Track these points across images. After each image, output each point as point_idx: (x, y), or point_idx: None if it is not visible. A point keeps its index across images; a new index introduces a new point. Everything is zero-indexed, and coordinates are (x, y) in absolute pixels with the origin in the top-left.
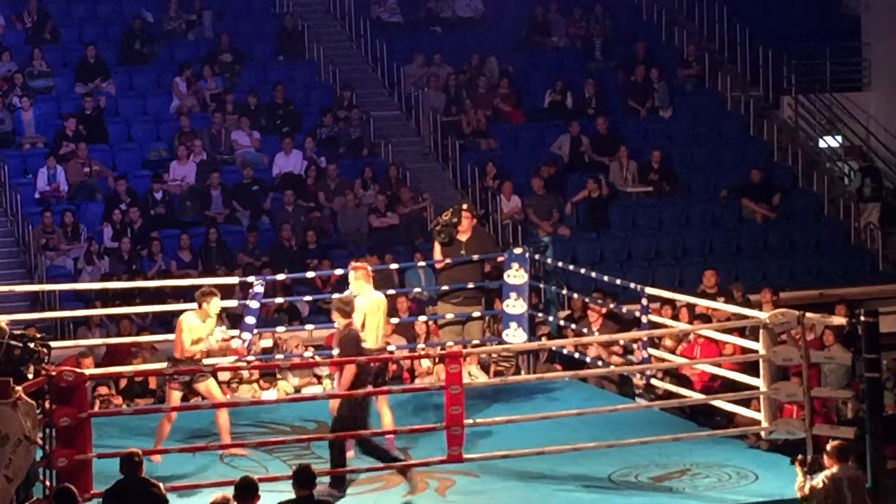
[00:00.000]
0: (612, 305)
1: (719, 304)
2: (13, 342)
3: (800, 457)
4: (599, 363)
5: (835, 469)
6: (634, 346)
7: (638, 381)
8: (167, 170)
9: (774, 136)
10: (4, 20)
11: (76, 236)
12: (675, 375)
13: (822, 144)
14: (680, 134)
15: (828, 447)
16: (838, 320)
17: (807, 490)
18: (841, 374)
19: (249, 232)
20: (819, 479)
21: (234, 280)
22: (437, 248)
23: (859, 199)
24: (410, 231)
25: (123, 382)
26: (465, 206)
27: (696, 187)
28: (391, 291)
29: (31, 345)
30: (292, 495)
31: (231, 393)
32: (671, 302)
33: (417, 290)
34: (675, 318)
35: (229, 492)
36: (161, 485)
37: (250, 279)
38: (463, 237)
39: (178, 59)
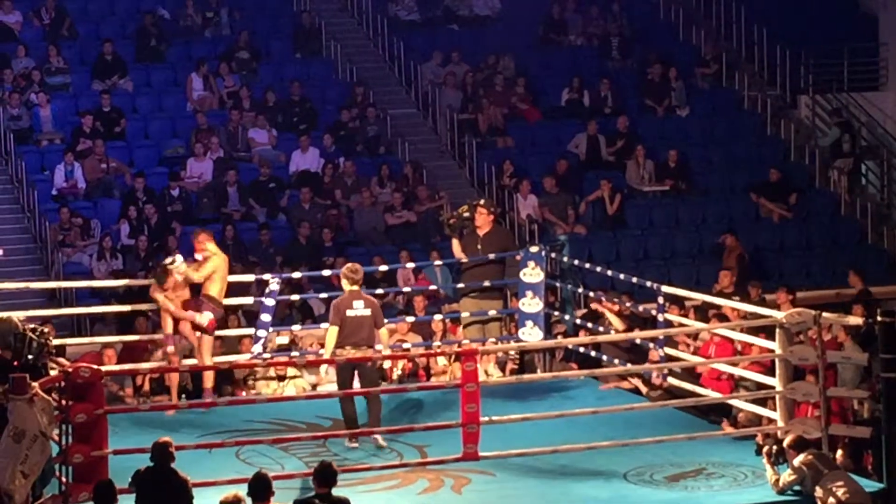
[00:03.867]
0: (628, 304)
1: (736, 303)
2: (31, 335)
3: (766, 448)
4: (616, 362)
5: (800, 457)
6: (651, 345)
7: (655, 380)
8: (184, 167)
9: (791, 136)
10: (22, 17)
11: (89, 233)
12: (691, 374)
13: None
14: (696, 133)
15: (785, 443)
16: (855, 320)
17: (781, 484)
18: (855, 373)
19: (265, 229)
20: (787, 472)
21: (251, 278)
22: (455, 244)
23: (837, 154)
24: (426, 229)
25: (140, 379)
26: (481, 202)
27: (712, 186)
28: (406, 289)
29: (40, 336)
30: (306, 492)
31: (248, 390)
32: (680, 301)
33: (433, 287)
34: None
35: (243, 489)
36: (189, 478)
37: (266, 277)
38: (481, 232)
39: (195, 57)
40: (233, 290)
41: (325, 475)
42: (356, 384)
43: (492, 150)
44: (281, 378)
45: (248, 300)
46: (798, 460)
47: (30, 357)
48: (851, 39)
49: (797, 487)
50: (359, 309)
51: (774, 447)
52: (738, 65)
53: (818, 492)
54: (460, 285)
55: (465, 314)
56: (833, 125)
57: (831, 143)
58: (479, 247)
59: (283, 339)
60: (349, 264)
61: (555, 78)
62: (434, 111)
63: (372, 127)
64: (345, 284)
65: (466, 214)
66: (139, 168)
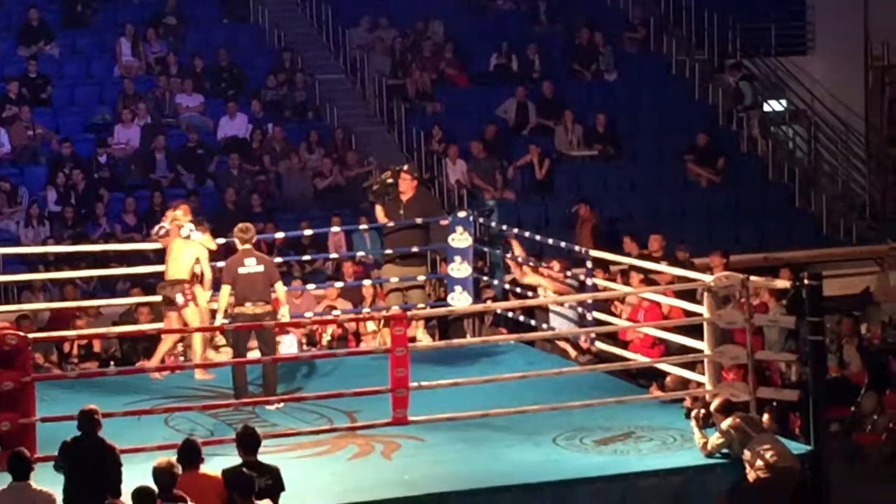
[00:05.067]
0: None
1: (663, 267)
2: None
3: (694, 412)
4: (545, 326)
5: (728, 421)
6: (579, 308)
7: (584, 343)
8: (111, 133)
9: (719, 100)
10: None
11: (16, 200)
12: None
13: (766, 108)
14: (625, 98)
15: (712, 407)
16: (782, 284)
17: (709, 448)
18: (780, 336)
19: (193, 196)
20: (715, 436)
21: None
22: (379, 210)
23: (748, 107)
24: (355, 194)
25: (67, 346)
26: (405, 168)
27: (641, 151)
28: (333, 255)
29: None
30: (236, 458)
31: (177, 357)
32: (605, 265)
33: (361, 253)
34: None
35: (173, 456)
36: (116, 446)
37: None
38: (404, 198)
39: (121, 22)
40: (162, 255)
41: (248, 441)
42: (253, 347)
43: (421, 115)
44: (214, 346)
45: None
46: (726, 424)
47: None
48: (779, 4)
49: (725, 451)
50: (251, 266)
51: (702, 411)
52: (667, 29)
53: (746, 455)
54: (388, 251)
55: (393, 279)
56: (738, 80)
57: (752, 101)
58: (401, 212)
59: (214, 305)
60: (241, 224)
61: (483, 43)
62: (363, 76)
63: (300, 92)
64: (238, 244)
65: (390, 181)
66: (66, 135)
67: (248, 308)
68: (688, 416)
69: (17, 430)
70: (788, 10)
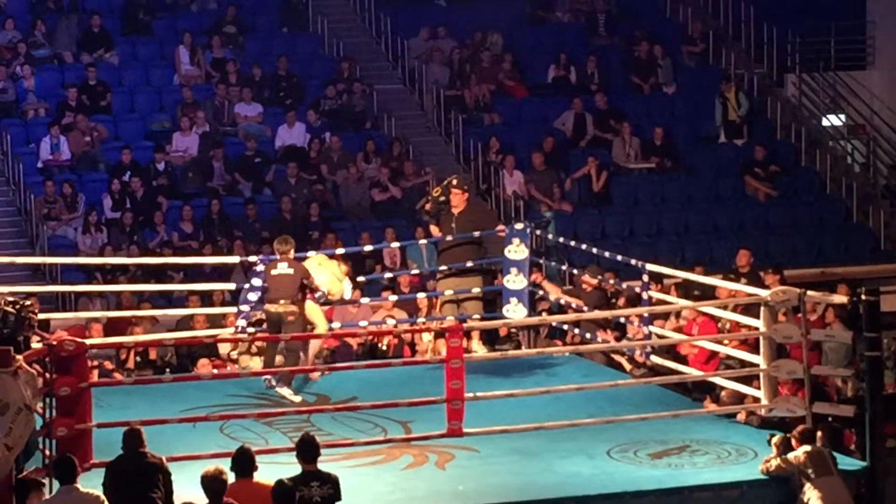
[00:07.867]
0: (598, 278)
1: (717, 281)
2: (7, 308)
3: (776, 439)
4: (600, 339)
5: (798, 451)
6: (635, 321)
7: (638, 356)
8: (170, 141)
9: (778, 114)
10: None
11: (75, 207)
12: (671, 353)
13: (825, 123)
14: (683, 111)
15: (795, 431)
16: (839, 299)
17: (772, 468)
18: (842, 352)
19: (251, 204)
20: (779, 460)
21: (236, 259)
22: (434, 229)
23: (742, 118)
24: (412, 205)
25: (124, 353)
26: (453, 182)
27: (698, 164)
28: (389, 274)
29: (21, 310)
30: (290, 467)
31: (232, 365)
32: (660, 278)
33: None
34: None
35: (226, 464)
36: (163, 458)
37: (252, 259)
38: (456, 211)
39: (181, 30)
40: (220, 270)
41: (308, 450)
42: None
43: (478, 126)
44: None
45: (231, 285)
46: (794, 455)
47: (5, 331)
48: (839, 17)
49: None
50: (282, 269)
51: (783, 436)
52: (725, 42)
53: (803, 493)
54: (443, 267)
55: (448, 292)
56: (737, 93)
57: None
58: (453, 226)
59: None
60: (281, 236)
61: (542, 54)
62: (421, 87)
63: (358, 102)
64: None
65: (442, 198)
66: (124, 142)
67: (273, 307)
68: (769, 442)
69: (74, 436)
70: (848, 24)
